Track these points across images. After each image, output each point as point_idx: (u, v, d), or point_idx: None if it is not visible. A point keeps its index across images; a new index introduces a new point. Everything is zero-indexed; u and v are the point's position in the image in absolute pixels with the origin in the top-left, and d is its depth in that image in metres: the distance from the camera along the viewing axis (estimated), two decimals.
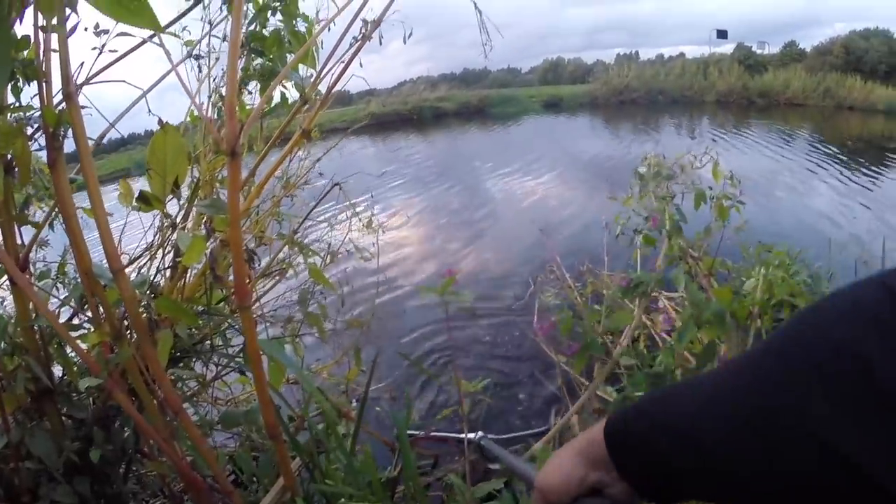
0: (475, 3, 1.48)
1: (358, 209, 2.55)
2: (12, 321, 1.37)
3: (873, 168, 10.46)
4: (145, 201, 1.10)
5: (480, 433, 2.40)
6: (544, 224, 6.07)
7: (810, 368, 0.48)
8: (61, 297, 1.60)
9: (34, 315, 1.33)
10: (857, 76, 26.13)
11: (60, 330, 1.20)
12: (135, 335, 1.25)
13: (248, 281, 1.28)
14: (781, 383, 0.50)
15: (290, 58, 1.92)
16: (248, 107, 2.00)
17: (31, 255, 1.39)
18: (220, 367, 1.98)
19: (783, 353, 0.53)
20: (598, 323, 2.27)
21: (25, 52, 1.11)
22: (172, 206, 1.45)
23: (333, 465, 1.70)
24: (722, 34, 35.14)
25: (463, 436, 2.27)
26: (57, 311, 1.49)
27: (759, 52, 34.57)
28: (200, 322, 1.62)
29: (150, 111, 1.40)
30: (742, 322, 2.33)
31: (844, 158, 11.54)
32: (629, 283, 2.01)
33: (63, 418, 1.48)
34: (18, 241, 1.30)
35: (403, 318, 4.57)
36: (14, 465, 1.35)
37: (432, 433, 2.62)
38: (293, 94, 1.91)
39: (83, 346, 1.34)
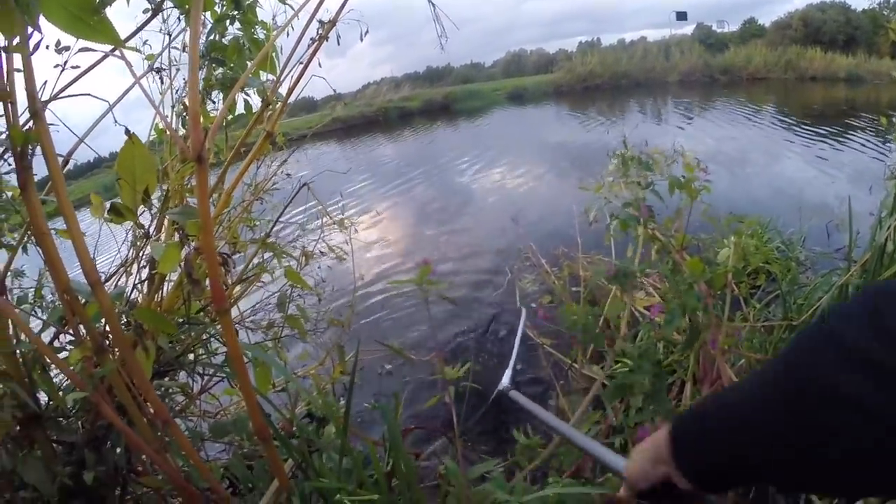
0: None
1: (330, 209, 2.56)
2: None
3: (837, 134, 10.64)
4: (117, 213, 1.11)
5: (506, 383, 2.37)
6: (516, 212, 6.08)
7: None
8: (40, 322, 1.59)
9: (15, 340, 1.34)
10: (817, 48, 26.54)
11: (43, 348, 1.20)
12: (117, 349, 1.26)
13: (224, 286, 1.29)
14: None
15: (250, 65, 1.92)
16: (211, 115, 2.00)
17: (7, 282, 1.39)
18: (205, 379, 1.98)
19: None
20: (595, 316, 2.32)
21: None
22: (144, 220, 1.46)
23: (326, 463, 1.71)
24: (682, 16, 35.56)
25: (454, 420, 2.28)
26: (38, 334, 1.49)
27: (719, 30, 35.08)
28: (181, 333, 1.62)
29: (115, 122, 1.40)
30: (718, 289, 2.38)
31: (810, 127, 11.72)
32: (615, 273, 2.05)
33: (53, 444, 1.47)
34: None
35: (383, 314, 4.56)
36: (9, 496, 1.35)
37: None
38: (256, 102, 1.91)
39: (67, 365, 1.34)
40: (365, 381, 3.50)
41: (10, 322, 1.30)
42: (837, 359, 0.56)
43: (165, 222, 1.74)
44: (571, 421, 2.37)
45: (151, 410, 1.29)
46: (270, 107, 1.58)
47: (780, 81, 24.71)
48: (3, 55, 1.03)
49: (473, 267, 5.49)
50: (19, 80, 1.06)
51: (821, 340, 0.60)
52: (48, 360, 1.31)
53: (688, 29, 35.50)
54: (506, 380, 2.38)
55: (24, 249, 1.50)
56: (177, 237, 1.13)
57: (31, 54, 1.03)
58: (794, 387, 0.61)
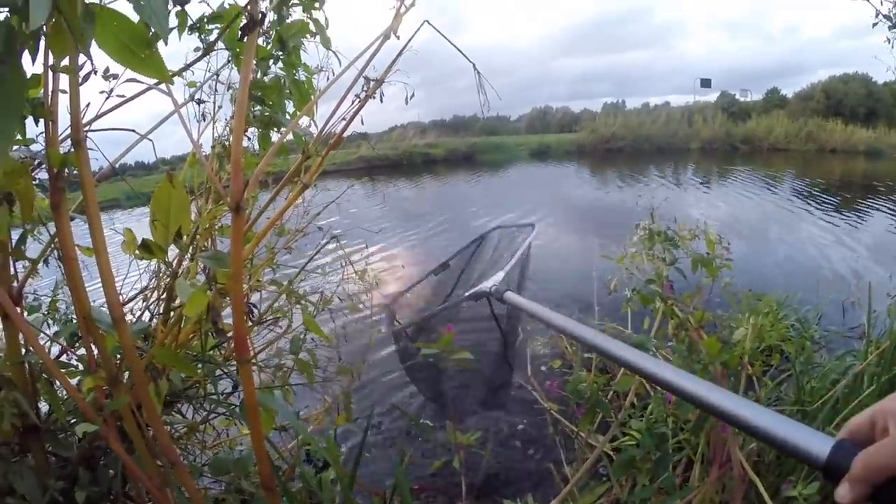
0: (474, 66, 1.50)
1: (352, 258, 2.55)
2: (1, 355, 1.36)
3: (857, 208, 10.66)
4: (147, 249, 1.11)
5: (495, 284, 2.03)
6: (532, 273, 6.05)
7: None
8: (51, 334, 1.59)
9: (24, 350, 1.33)
10: (837, 120, 26.80)
11: (54, 370, 1.19)
12: (130, 382, 1.25)
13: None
14: None
15: (288, 104, 1.94)
16: (248, 153, 2.01)
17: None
18: (208, 413, 1.97)
19: None
20: (604, 386, 2.29)
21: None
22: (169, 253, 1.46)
23: None
24: (706, 83, 36.01)
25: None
26: (47, 347, 1.48)
27: (742, 99, 35.53)
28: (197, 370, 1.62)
29: (161, 162, 1.42)
30: (733, 370, 2.35)
31: (829, 200, 11.77)
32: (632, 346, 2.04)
33: (48, 456, 1.46)
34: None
35: (395, 367, 4.46)
36: None
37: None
38: (288, 139, 1.92)
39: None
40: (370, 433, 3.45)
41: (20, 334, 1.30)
42: None
43: (186, 257, 1.74)
44: (569, 486, 2.31)
45: (160, 447, 1.28)
46: (310, 159, 1.59)
47: (800, 153, 24.89)
48: (50, 74, 1.04)
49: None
50: (61, 100, 1.07)
51: None
52: (55, 378, 1.30)
53: (711, 96, 36.09)
54: (497, 279, 2.09)
55: (45, 262, 1.50)
56: (200, 278, 1.13)
57: (82, 83, 1.04)
58: None
